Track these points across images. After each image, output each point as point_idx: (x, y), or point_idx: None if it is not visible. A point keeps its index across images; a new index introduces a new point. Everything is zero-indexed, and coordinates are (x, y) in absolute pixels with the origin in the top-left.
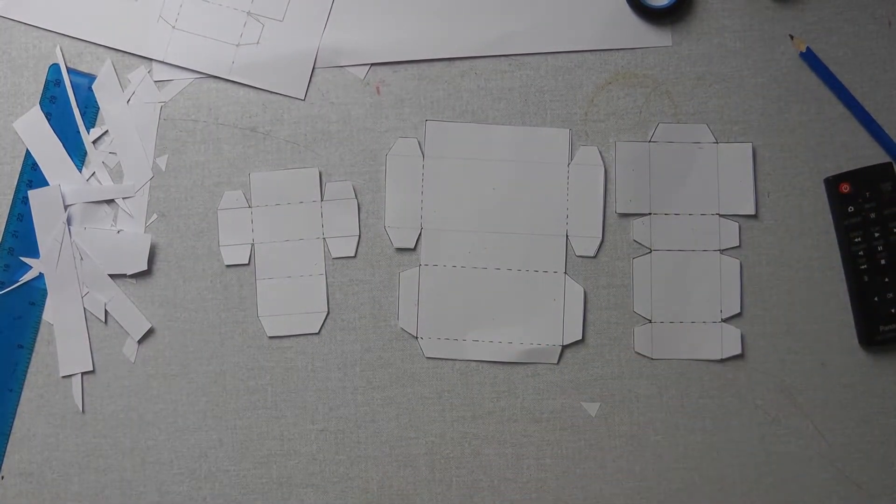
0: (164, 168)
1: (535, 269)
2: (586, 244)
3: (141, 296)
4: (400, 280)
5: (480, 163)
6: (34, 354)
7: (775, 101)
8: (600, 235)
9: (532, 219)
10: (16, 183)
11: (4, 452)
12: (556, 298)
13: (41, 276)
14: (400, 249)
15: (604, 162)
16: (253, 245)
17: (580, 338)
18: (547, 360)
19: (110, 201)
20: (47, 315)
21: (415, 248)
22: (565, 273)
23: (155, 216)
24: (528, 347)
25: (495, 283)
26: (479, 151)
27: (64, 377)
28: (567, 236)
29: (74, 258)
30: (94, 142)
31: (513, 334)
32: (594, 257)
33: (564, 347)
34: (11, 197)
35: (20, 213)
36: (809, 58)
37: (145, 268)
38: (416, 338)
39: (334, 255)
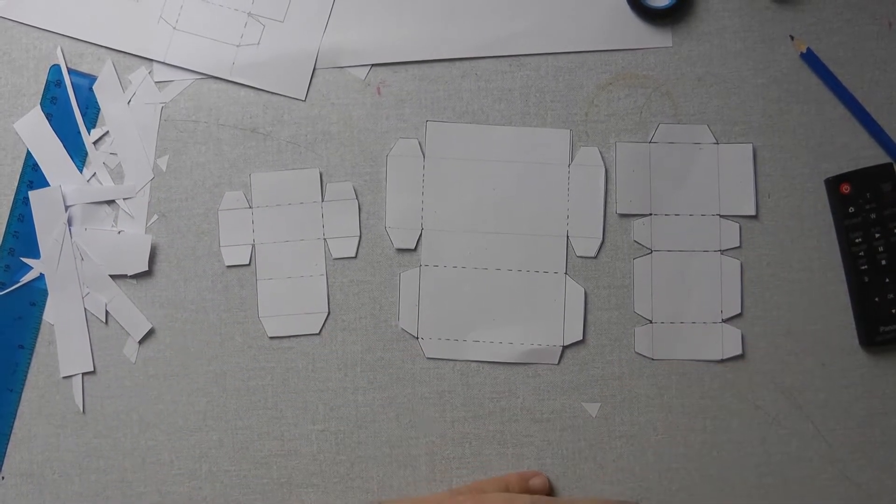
0: (164, 169)
1: (535, 270)
2: (587, 245)
3: (141, 296)
4: (400, 280)
5: (481, 163)
6: (35, 355)
7: (776, 102)
8: (601, 236)
9: (533, 219)
10: (16, 183)
11: (5, 453)
12: (557, 299)
13: (42, 276)
14: (400, 250)
15: (604, 162)
16: (253, 246)
17: (581, 338)
18: (547, 361)
19: (111, 202)
20: (48, 315)
21: (415, 249)
22: (566, 273)
23: (155, 217)
24: (529, 348)
25: (496, 284)
26: (480, 152)
27: (64, 378)
28: (568, 237)
29: (75, 259)
30: (95, 142)
31: (513, 335)
32: (595, 258)
33: (565, 348)
34: (12, 197)
35: (21, 213)
36: (810, 58)
37: (146, 268)
38: (417, 338)
39: (335, 256)
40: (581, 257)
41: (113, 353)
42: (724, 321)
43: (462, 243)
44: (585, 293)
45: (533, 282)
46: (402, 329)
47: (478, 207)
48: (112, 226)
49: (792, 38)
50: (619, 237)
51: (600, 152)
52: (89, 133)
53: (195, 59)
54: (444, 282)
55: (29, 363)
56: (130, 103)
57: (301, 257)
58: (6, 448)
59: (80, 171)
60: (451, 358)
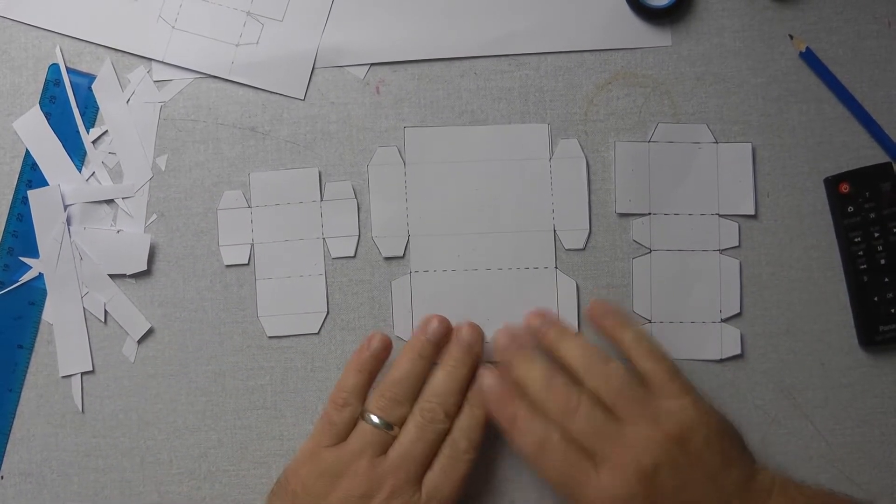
0: (163, 168)
1: (525, 267)
2: (575, 237)
3: (140, 296)
4: (392, 288)
5: (462, 165)
6: (34, 354)
7: (775, 101)
8: (588, 227)
9: (518, 216)
10: (15, 183)
11: (4, 452)
12: (549, 294)
13: (41, 276)
14: (389, 258)
15: (585, 153)
16: (252, 245)
17: (575, 331)
18: None
19: (110, 201)
20: (47, 315)
21: (403, 256)
22: (556, 268)
23: (154, 216)
24: None
25: (487, 284)
26: (460, 154)
27: (64, 377)
28: (555, 230)
29: (74, 258)
30: (94, 142)
31: None
32: (583, 249)
33: None
34: (11, 197)
35: (20, 212)
36: (809, 58)
37: (145, 268)
38: None
39: (334, 255)
40: (570, 250)
41: (112, 352)
42: (723, 321)
43: (450, 246)
44: (577, 286)
45: (524, 279)
46: (398, 336)
47: (463, 209)
48: (111, 225)
49: (791, 37)
50: (618, 237)
51: (580, 143)
52: (88, 132)
53: (194, 58)
54: (435, 286)
55: (28, 363)
56: (129, 102)
57: (300, 257)
58: (5, 448)
59: (79, 170)
60: None
